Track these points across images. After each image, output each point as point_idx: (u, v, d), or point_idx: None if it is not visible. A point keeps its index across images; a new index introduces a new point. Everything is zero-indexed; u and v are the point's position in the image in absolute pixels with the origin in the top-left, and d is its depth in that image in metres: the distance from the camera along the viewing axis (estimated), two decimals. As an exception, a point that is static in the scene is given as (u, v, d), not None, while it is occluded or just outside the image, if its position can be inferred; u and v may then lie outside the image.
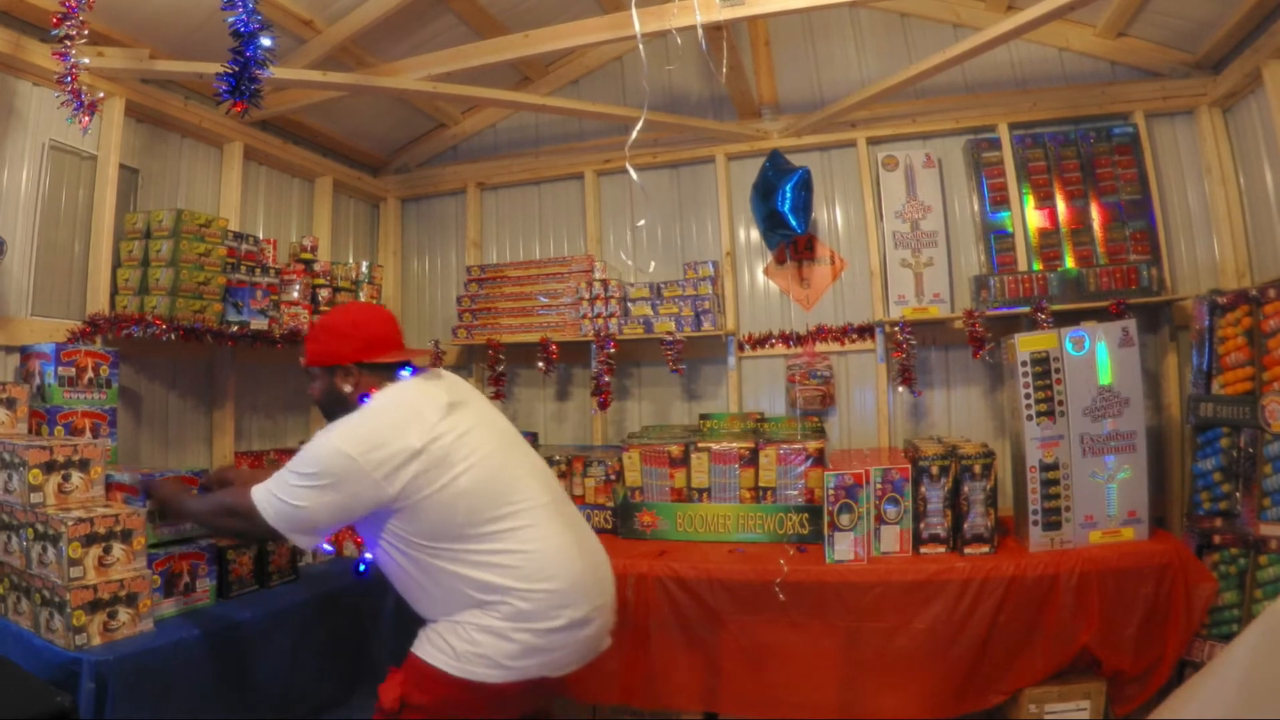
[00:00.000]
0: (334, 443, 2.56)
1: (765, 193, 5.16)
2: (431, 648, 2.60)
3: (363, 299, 5.59)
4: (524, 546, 2.62)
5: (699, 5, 4.00)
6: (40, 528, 2.87)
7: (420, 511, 2.57)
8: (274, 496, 2.60)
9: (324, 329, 2.96)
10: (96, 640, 2.86)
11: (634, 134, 4.15)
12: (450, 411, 2.72)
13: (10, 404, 3.35)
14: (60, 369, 3.59)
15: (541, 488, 2.80)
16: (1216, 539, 3.87)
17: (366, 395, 2.79)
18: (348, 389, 2.83)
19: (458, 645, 2.53)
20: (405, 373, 2.91)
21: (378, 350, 2.87)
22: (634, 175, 4.49)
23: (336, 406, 2.83)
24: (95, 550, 2.88)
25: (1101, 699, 3.62)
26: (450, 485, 2.58)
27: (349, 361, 2.84)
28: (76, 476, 3.05)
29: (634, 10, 4.01)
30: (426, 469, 2.57)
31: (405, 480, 2.54)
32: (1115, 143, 4.87)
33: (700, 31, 4.04)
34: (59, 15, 3.34)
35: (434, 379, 2.89)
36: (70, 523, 2.80)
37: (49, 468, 2.96)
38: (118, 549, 2.95)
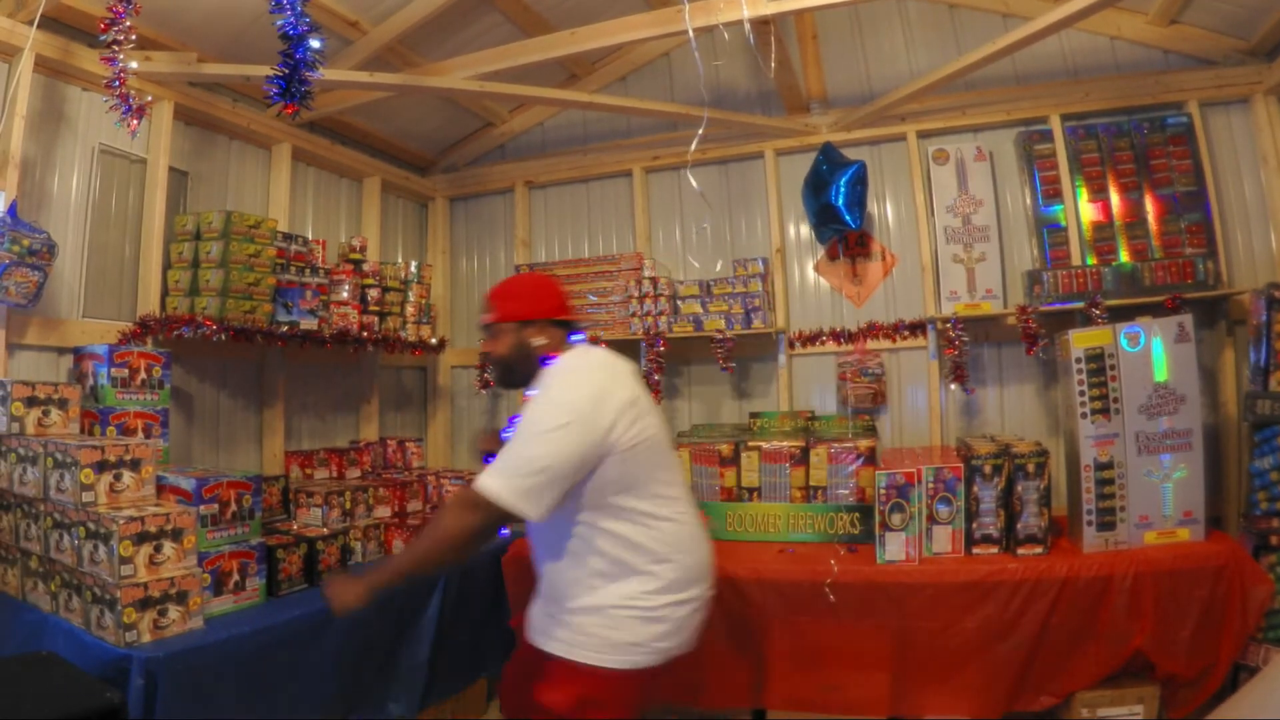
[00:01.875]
0: (566, 394, 2.67)
1: (818, 187, 5.14)
2: (579, 644, 2.68)
3: (411, 299, 5.65)
4: (677, 516, 2.78)
5: (746, 0, 3.98)
6: (92, 526, 2.95)
7: (622, 462, 2.66)
8: (503, 475, 2.61)
9: (512, 291, 3.07)
10: (146, 637, 2.92)
11: (699, 133, 4.17)
12: (632, 376, 2.90)
13: (62, 404, 3.44)
14: (113, 370, 3.67)
15: (679, 470, 2.98)
16: (1274, 540, 3.82)
17: (549, 357, 2.88)
18: (541, 341, 2.92)
19: (611, 635, 2.64)
20: (575, 338, 3.05)
21: (565, 311, 3.03)
22: (694, 183, 4.55)
23: (521, 362, 2.94)
24: (146, 549, 2.95)
25: (1155, 703, 3.58)
26: (648, 439, 2.72)
27: (546, 317, 2.96)
28: (128, 476, 3.12)
29: (686, 6, 4.00)
30: (636, 419, 2.69)
31: (623, 428, 2.65)
32: (1169, 133, 4.79)
33: (747, 26, 4.03)
34: (106, 21, 3.41)
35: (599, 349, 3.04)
36: (121, 521, 2.87)
37: (101, 467, 3.03)
38: (168, 547, 3.02)
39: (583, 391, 2.66)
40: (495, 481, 2.58)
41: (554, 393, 2.69)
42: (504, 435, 3.10)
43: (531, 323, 2.94)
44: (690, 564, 2.77)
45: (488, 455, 2.97)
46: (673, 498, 2.80)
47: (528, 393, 2.88)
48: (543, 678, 2.75)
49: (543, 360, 2.88)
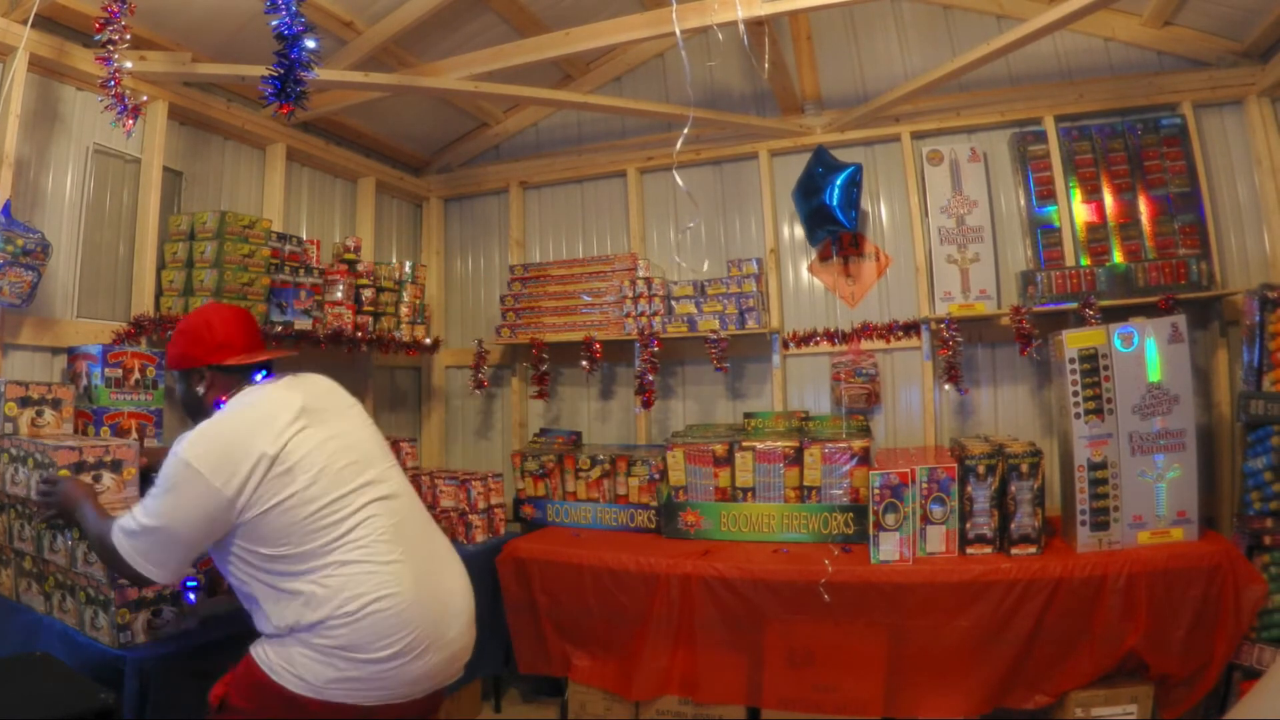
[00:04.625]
0: (180, 451, 2.41)
1: (809, 190, 5.15)
2: (259, 653, 2.43)
3: (406, 299, 5.65)
4: (352, 572, 2.40)
5: (740, 0, 3.98)
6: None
7: (260, 524, 2.39)
8: (131, 524, 2.41)
9: (179, 332, 2.80)
10: (141, 638, 2.92)
11: (684, 133, 4.15)
12: (302, 419, 2.56)
13: (56, 405, 3.43)
14: (107, 370, 3.66)
15: (388, 510, 2.57)
16: (1267, 540, 3.81)
17: (221, 401, 2.66)
18: (200, 392, 2.73)
19: (277, 658, 2.37)
20: (259, 377, 2.79)
21: (228, 352, 2.74)
22: (680, 182, 4.53)
23: (195, 412, 2.74)
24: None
25: (1149, 702, 3.60)
26: (290, 498, 2.41)
27: (201, 365, 2.73)
28: (109, 477, 3.08)
29: (674, 7, 4.00)
30: (269, 477, 2.40)
31: (249, 489, 2.38)
32: (1163, 134, 4.80)
33: (741, 26, 4.03)
34: (101, 20, 3.41)
35: (294, 385, 2.73)
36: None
37: (79, 469, 3.00)
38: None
39: (193, 453, 2.39)
40: (126, 538, 2.41)
41: (171, 453, 2.43)
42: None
43: (192, 372, 2.75)
44: (379, 619, 2.38)
45: (147, 472, 2.96)
46: (347, 556, 2.42)
47: None
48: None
49: (216, 404, 2.67)
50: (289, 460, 2.44)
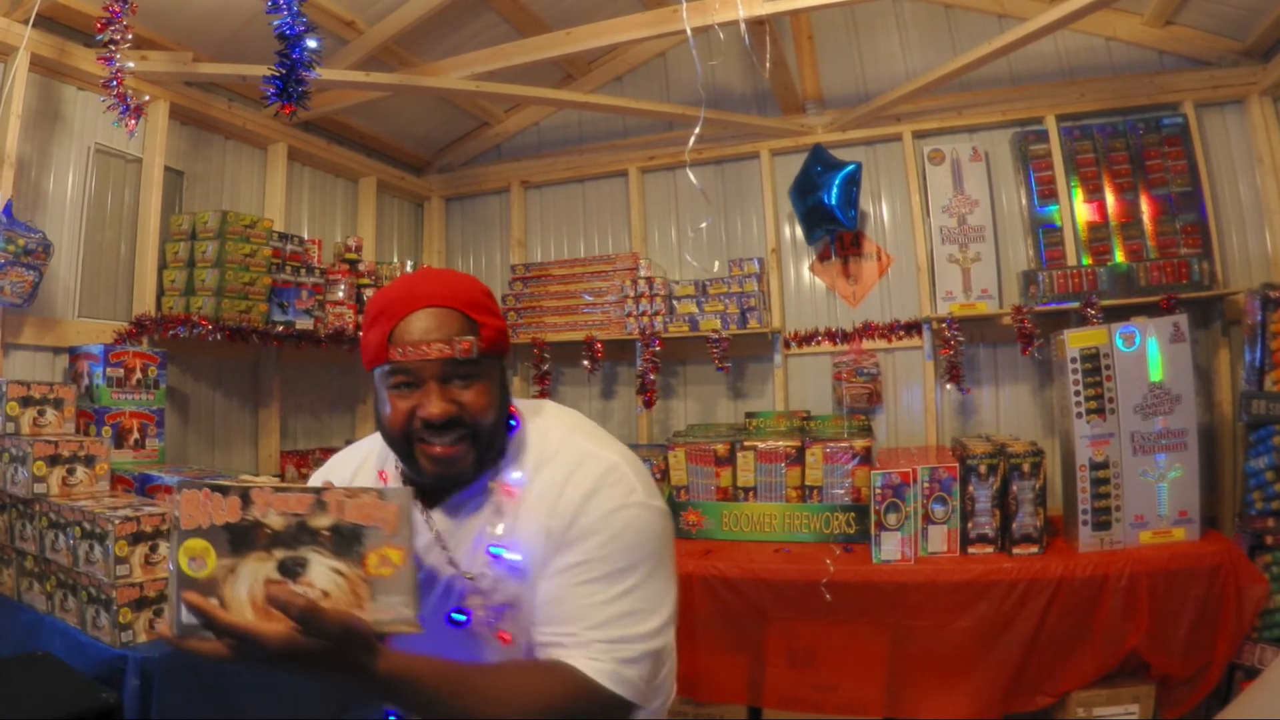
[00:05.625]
0: (645, 501, 1.62)
1: (806, 188, 5.16)
2: None
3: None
4: None
5: (741, 0, 3.99)
6: (87, 526, 2.93)
7: None
8: (634, 659, 1.52)
9: (486, 294, 1.73)
10: (142, 637, 2.91)
11: (696, 132, 4.16)
12: None
13: (58, 404, 3.42)
14: (109, 370, 3.68)
15: None
16: (1269, 539, 3.81)
17: (516, 419, 1.75)
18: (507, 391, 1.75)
19: None
20: None
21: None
22: (694, 180, 4.54)
23: (496, 425, 1.67)
24: (142, 548, 2.93)
25: (1150, 702, 3.59)
26: None
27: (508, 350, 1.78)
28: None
29: (683, 5, 4.01)
30: None
31: None
32: (1164, 134, 4.80)
33: (743, 26, 4.03)
34: (103, 20, 3.42)
35: None
36: (117, 521, 2.86)
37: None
38: (164, 548, 3.00)
39: (657, 499, 1.66)
40: (638, 680, 1.52)
41: (630, 495, 1.61)
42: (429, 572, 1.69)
43: (503, 358, 1.74)
44: None
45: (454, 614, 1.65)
46: None
47: (508, 479, 1.68)
48: None
49: (509, 422, 1.74)
50: None
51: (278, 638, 1.27)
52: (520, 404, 1.77)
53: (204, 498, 1.32)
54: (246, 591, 1.30)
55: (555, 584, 1.55)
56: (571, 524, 1.56)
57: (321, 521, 1.36)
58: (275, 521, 1.34)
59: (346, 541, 1.37)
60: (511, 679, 1.50)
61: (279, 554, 1.34)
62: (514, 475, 1.66)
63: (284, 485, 1.37)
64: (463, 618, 1.64)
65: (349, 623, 1.30)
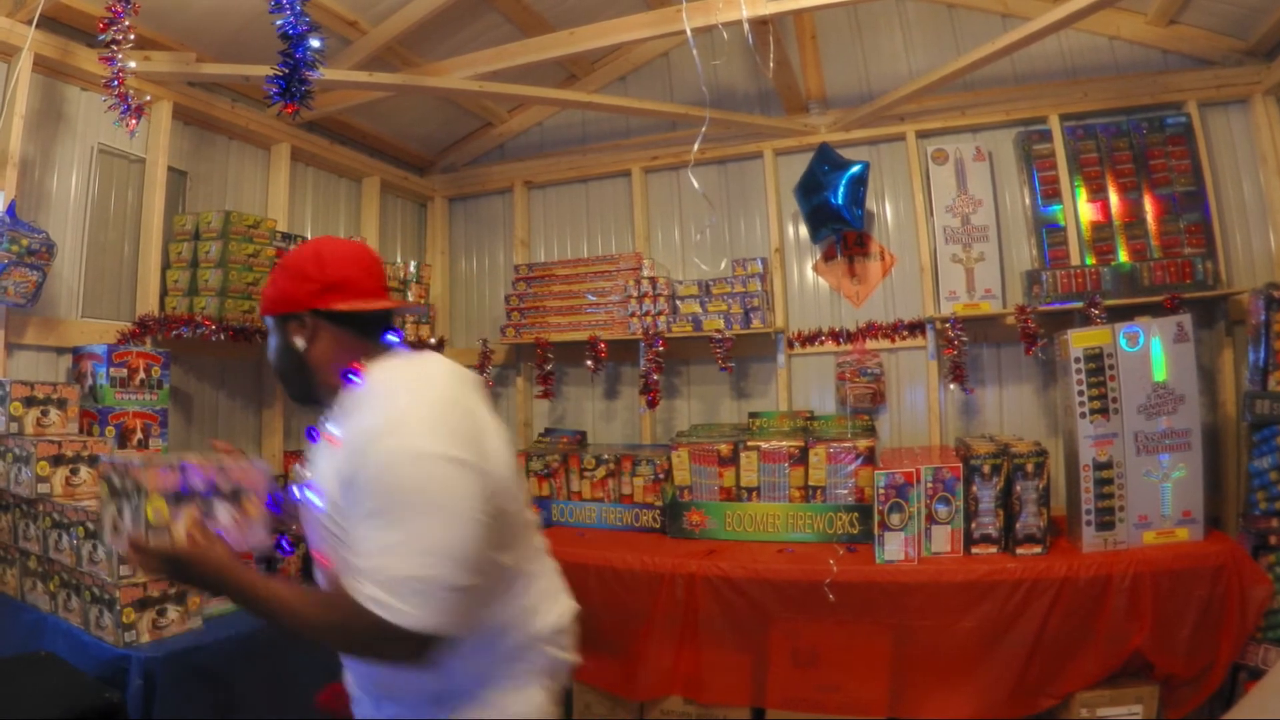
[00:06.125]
0: (416, 446, 1.72)
1: (811, 187, 5.15)
2: None
3: (410, 299, 5.66)
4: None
5: (745, 0, 3.99)
6: (91, 526, 2.94)
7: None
8: (394, 587, 1.65)
9: (280, 268, 2.09)
10: (145, 637, 2.93)
11: (701, 132, 4.16)
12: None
13: (61, 404, 3.44)
14: (112, 370, 3.68)
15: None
16: (1273, 540, 3.80)
17: (354, 370, 1.94)
18: (301, 346, 2.01)
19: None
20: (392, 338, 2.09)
21: (341, 296, 2.00)
22: (695, 184, 4.54)
23: (294, 377, 2.07)
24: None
25: (1154, 703, 3.59)
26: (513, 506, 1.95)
27: (303, 309, 1.99)
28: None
29: (684, 6, 4.01)
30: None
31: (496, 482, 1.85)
32: (1168, 133, 4.79)
33: (746, 26, 4.03)
34: (105, 20, 3.43)
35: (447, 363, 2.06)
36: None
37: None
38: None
39: (451, 427, 1.79)
40: (395, 604, 1.65)
41: (404, 441, 1.74)
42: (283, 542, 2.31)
43: (291, 318, 2.01)
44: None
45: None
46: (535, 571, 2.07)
47: (330, 429, 1.94)
48: None
49: (344, 376, 1.95)
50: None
51: (146, 560, 1.85)
52: (391, 359, 2.01)
53: (163, 471, 1.91)
54: (183, 528, 1.88)
55: (349, 517, 1.77)
56: (353, 464, 1.76)
57: (223, 484, 2.02)
58: (198, 485, 1.97)
59: (234, 495, 2.04)
60: (310, 597, 1.85)
61: (200, 504, 1.96)
62: (333, 426, 1.94)
63: (204, 461, 2.01)
64: (287, 547, 2.30)
65: (168, 553, 1.83)
